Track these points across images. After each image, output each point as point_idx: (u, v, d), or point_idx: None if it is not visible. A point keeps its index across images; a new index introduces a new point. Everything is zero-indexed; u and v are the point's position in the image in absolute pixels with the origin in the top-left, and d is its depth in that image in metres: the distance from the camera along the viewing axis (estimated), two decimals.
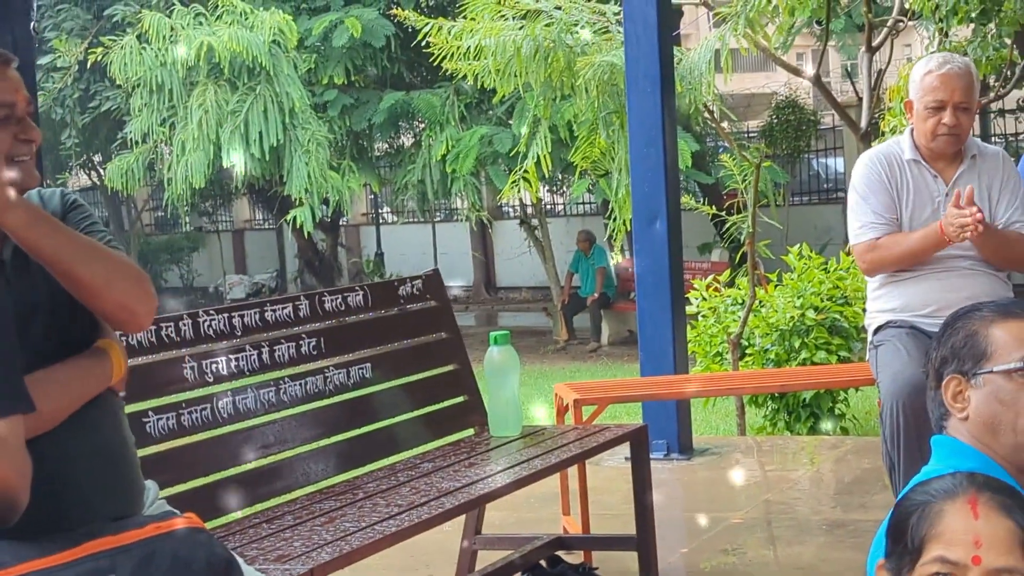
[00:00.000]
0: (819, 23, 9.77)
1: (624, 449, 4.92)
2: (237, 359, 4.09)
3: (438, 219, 24.62)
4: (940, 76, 4.63)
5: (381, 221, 26.79)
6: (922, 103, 4.69)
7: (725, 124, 12.54)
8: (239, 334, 4.13)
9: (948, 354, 2.49)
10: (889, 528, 1.95)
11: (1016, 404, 2.42)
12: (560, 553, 4.90)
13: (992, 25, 8.58)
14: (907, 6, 9.30)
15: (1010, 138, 19.25)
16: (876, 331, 4.85)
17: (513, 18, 9.55)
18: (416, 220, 24.01)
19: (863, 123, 9.77)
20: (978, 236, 4.47)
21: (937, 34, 8.66)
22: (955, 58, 4.74)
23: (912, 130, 4.80)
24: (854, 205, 4.83)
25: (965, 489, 1.89)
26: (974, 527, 1.83)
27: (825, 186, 22.12)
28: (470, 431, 4.89)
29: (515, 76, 9.66)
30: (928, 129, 4.69)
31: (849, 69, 23.78)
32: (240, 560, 2.54)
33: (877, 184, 4.76)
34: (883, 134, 8.37)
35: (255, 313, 4.23)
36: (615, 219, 10.26)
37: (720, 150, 17.42)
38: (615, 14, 9.19)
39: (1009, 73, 9.15)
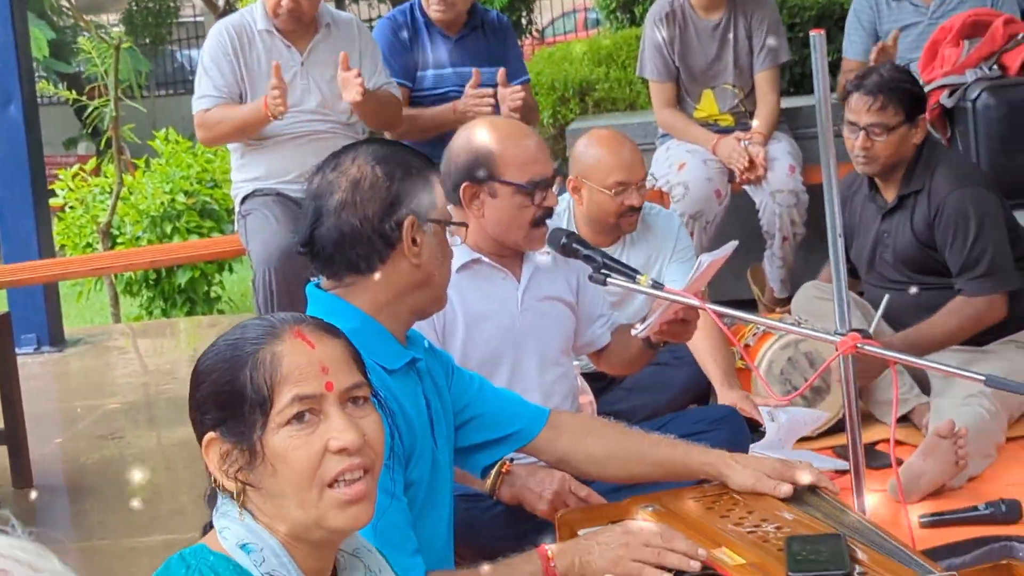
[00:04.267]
0: None
1: None
2: None
3: None
4: None
5: None
6: None
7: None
8: None
9: (406, 191, 2.45)
10: (209, 399, 1.79)
11: (448, 258, 2.54)
12: None
13: None
14: None
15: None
16: (243, 201, 4.85)
17: None
18: None
19: (221, 2, 9.72)
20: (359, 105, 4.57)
21: None
22: None
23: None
24: (197, 75, 4.78)
25: (286, 325, 1.81)
26: (315, 356, 1.78)
27: (190, 77, 21.88)
28: None
29: None
30: (271, 5, 4.70)
31: None
32: None
33: (220, 56, 4.71)
34: None
35: None
36: None
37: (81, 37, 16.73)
38: None
39: None
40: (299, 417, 1.75)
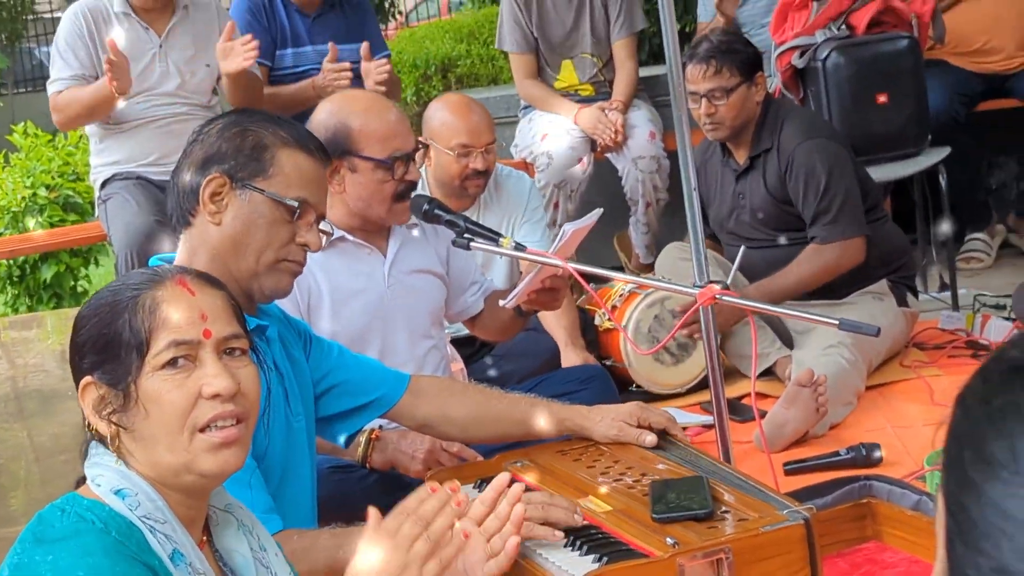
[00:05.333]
0: None
1: None
2: None
3: None
4: None
5: None
6: None
7: None
8: None
9: (227, 150, 2.41)
10: (87, 343, 1.78)
11: (271, 235, 2.42)
12: None
13: None
14: None
15: None
16: (103, 186, 4.79)
17: None
18: None
19: None
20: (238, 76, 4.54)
21: None
22: None
23: None
24: (52, 59, 4.73)
25: (169, 274, 1.82)
26: (196, 303, 1.78)
27: (49, 74, 21.39)
28: None
29: None
30: None
31: None
32: None
33: (76, 38, 4.66)
34: None
35: None
36: None
37: None
38: None
39: None
40: (173, 363, 1.76)
